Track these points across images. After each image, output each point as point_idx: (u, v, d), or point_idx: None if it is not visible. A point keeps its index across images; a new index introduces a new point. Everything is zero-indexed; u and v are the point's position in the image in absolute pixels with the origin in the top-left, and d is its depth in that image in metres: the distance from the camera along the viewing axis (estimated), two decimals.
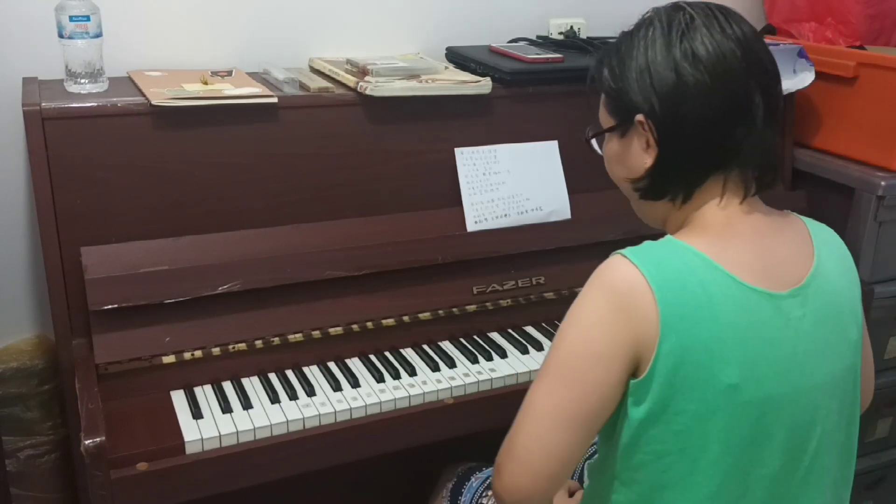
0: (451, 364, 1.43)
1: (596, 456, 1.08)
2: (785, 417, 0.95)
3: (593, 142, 1.10)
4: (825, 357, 0.98)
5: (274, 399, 1.32)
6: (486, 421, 1.39)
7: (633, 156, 1.01)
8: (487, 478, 1.38)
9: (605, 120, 1.06)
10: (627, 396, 0.94)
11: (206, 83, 1.46)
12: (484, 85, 1.56)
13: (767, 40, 1.92)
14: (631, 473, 0.97)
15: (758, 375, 0.92)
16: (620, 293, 0.92)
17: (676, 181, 1.00)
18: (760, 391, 0.93)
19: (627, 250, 0.94)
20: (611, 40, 1.08)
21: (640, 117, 0.98)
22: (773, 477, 0.96)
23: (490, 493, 1.34)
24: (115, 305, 1.28)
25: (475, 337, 1.54)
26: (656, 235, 1.00)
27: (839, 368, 0.99)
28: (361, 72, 1.53)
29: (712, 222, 0.99)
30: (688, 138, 0.97)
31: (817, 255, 1.00)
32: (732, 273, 0.93)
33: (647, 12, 1.02)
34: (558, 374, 0.94)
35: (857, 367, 1.02)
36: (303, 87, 1.52)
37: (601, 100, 1.06)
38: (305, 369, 1.41)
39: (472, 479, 1.40)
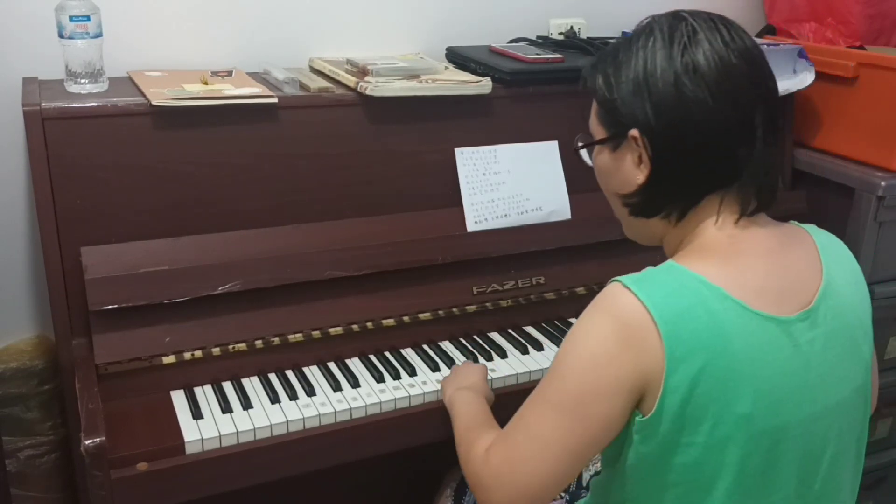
0: (452, 364, 1.43)
1: (601, 473, 1.06)
2: (797, 444, 0.92)
3: (583, 152, 1.06)
4: (837, 379, 0.95)
5: (274, 399, 1.32)
6: None
7: (624, 170, 0.97)
8: None
9: (597, 130, 1.01)
10: (633, 433, 0.91)
11: (206, 83, 1.46)
12: (484, 85, 1.56)
13: (767, 40, 1.93)
14: (640, 501, 0.95)
15: (770, 404, 0.89)
16: (626, 326, 0.88)
17: (670, 199, 0.96)
18: (773, 420, 0.90)
19: (629, 279, 0.90)
20: (611, 40, 1.05)
21: (634, 132, 0.93)
22: (785, 502, 0.94)
23: None
24: (115, 305, 1.28)
25: (475, 337, 1.54)
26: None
27: (850, 390, 0.96)
28: (361, 72, 1.53)
29: (715, 244, 0.94)
30: (685, 157, 0.92)
31: (826, 273, 0.96)
32: (740, 299, 0.89)
33: (645, 19, 0.97)
34: (564, 407, 0.91)
35: (868, 385, 1.00)
36: (303, 87, 1.52)
37: (593, 108, 1.01)
38: (305, 369, 1.41)
39: None
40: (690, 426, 0.88)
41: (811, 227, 1.03)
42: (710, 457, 0.89)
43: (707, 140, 0.91)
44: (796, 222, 1.03)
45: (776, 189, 0.98)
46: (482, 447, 1.01)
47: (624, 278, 0.91)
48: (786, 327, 0.91)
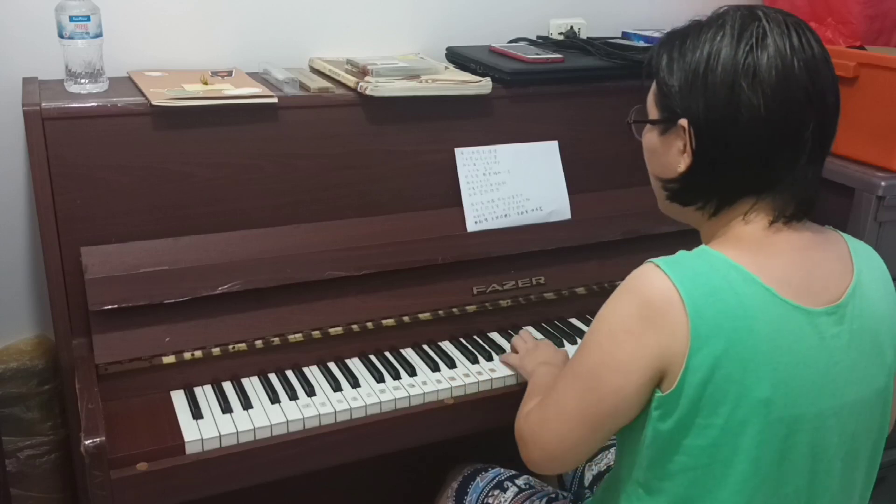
0: (451, 364, 1.43)
1: (609, 468, 1.08)
2: (812, 436, 0.93)
3: (634, 126, 1.07)
4: (858, 378, 0.95)
5: (274, 399, 1.32)
6: (486, 421, 1.39)
7: (669, 155, 0.99)
8: (493, 478, 1.38)
9: (651, 109, 1.02)
10: (652, 410, 0.93)
11: (206, 83, 1.46)
12: (484, 85, 1.56)
13: None
14: (657, 483, 0.96)
15: (789, 392, 0.90)
16: (651, 305, 0.90)
17: (706, 194, 0.97)
18: (791, 408, 0.91)
19: (661, 261, 0.92)
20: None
21: (683, 122, 0.94)
22: (799, 495, 0.95)
23: (495, 492, 1.35)
24: (115, 305, 1.28)
25: (475, 337, 1.54)
26: (655, 236, 0.99)
27: (870, 391, 0.97)
28: (361, 72, 1.53)
29: (748, 237, 0.96)
30: (725, 158, 0.93)
31: (857, 274, 0.97)
32: (769, 286, 0.90)
33: (721, 8, 0.96)
34: (582, 377, 0.97)
35: (889, 390, 1.00)
36: (303, 87, 1.52)
37: (652, 87, 1.02)
38: (305, 369, 1.41)
39: (478, 480, 1.39)
40: (709, 407, 0.90)
41: (846, 235, 1.04)
42: (726, 440, 0.91)
43: (751, 146, 0.92)
44: (832, 227, 1.04)
45: (815, 201, 0.98)
46: (528, 407, 1.10)
47: (657, 259, 0.93)
48: (812, 318, 0.92)
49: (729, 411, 0.89)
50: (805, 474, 0.94)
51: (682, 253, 0.94)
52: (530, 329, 1.57)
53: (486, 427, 1.38)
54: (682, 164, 0.97)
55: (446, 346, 1.51)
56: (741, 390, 0.89)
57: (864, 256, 1.00)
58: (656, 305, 0.90)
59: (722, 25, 0.94)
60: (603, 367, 0.93)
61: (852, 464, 0.98)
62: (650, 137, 1.02)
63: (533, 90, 1.63)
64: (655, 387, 0.92)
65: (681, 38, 0.97)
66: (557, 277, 1.60)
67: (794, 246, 0.96)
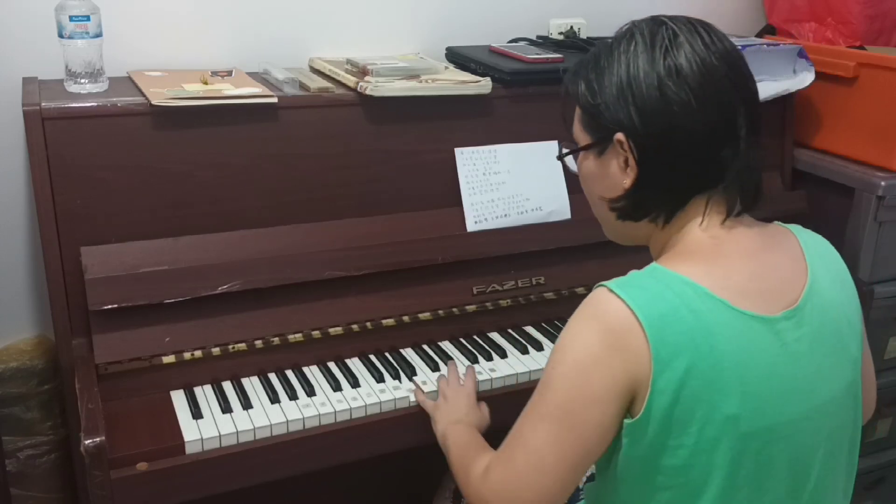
0: (450, 361, 1.43)
1: (594, 479, 1.06)
2: (787, 444, 0.92)
3: (568, 159, 1.06)
4: (825, 378, 0.95)
5: (274, 399, 1.32)
6: None
7: (610, 175, 0.98)
8: None
9: (581, 136, 1.02)
10: (622, 437, 0.91)
11: (206, 83, 1.46)
12: (484, 85, 1.56)
13: (767, 40, 1.93)
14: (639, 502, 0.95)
15: (758, 404, 0.89)
16: (613, 331, 0.88)
17: (657, 202, 0.96)
18: (761, 420, 0.90)
19: (614, 284, 0.90)
20: (602, 42, 1.05)
21: (619, 136, 0.94)
22: (777, 503, 0.94)
23: None
24: (115, 305, 1.28)
25: (475, 337, 1.54)
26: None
27: (839, 388, 0.96)
28: (361, 72, 1.53)
29: (699, 245, 0.95)
30: (671, 159, 0.93)
31: (811, 272, 0.96)
32: (725, 299, 0.89)
33: (624, 25, 0.98)
34: (555, 417, 0.91)
35: (857, 383, 0.99)
36: (303, 87, 1.52)
37: (576, 115, 1.02)
38: (305, 369, 1.41)
39: None
40: (678, 428, 0.88)
41: (795, 227, 1.03)
42: (699, 459, 0.89)
43: (692, 142, 0.92)
44: (780, 223, 1.04)
45: (760, 189, 0.99)
46: (480, 467, 1.01)
47: (609, 283, 0.91)
48: (772, 326, 0.91)
49: (698, 430, 0.88)
50: (783, 482, 0.93)
51: (633, 274, 0.93)
52: (529, 329, 1.57)
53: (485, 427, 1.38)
54: (628, 179, 0.95)
55: (446, 346, 1.51)
56: (709, 408, 0.88)
57: (816, 250, 1.00)
58: (618, 331, 0.88)
59: (632, 38, 0.95)
60: (576, 403, 0.89)
61: (831, 463, 0.98)
62: (587, 164, 1.01)
63: (533, 90, 1.63)
64: (626, 412, 0.90)
65: (593, 60, 0.98)
66: (557, 277, 1.60)
67: (744, 252, 0.95)
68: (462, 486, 1.06)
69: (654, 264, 0.95)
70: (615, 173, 0.97)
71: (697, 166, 0.93)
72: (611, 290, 0.90)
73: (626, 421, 0.90)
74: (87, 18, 1.38)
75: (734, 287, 0.91)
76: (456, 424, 1.21)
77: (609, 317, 0.89)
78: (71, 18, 1.37)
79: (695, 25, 0.94)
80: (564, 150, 1.06)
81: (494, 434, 1.32)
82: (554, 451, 0.91)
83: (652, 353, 0.86)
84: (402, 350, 1.48)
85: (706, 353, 0.87)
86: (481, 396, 1.38)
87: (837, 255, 1.02)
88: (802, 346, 0.93)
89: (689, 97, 0.90)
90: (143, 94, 1.39)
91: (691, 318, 0.88)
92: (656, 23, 0.95)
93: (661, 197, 0.96)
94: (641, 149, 0.93)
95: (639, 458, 0.91)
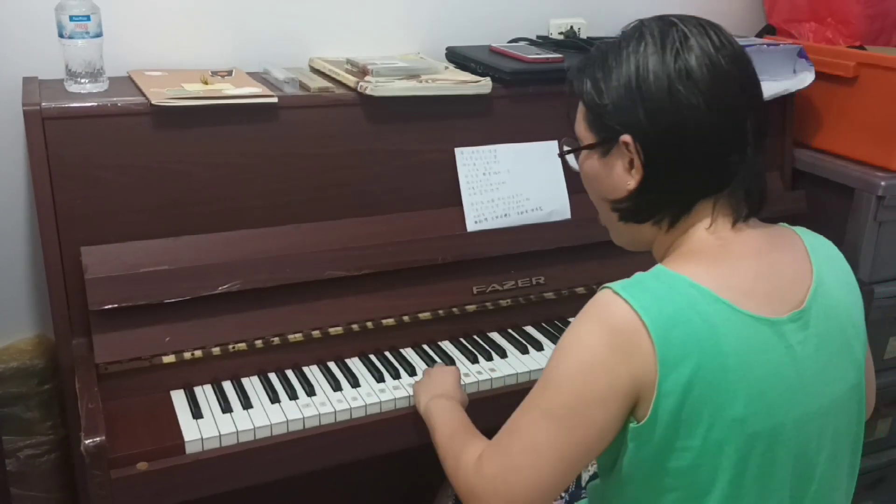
0: (452, 364, 1.43)
1: (598, 479, 1.06)
2: (792, 445, 0.92)
3: (569, 157, 1.05)
4: (830, 380, 0.94)
5: (274, 399, 1.32)
6: (486, 421, 1.37)
7: (614, 176, 0.96)
8: None
9: (585, 135, 1.00)
10: (628, 441, 0.90)
11: (206, 83, 1.46)
12: (484, 85, 1.56)
13: (767, 40, 1.93)
14: None
15: (763, 406, 0.89)
16: (619, 333, 0.87)
17: (662, 205, 0.95)
18: (767, 422, 0.89)
19: (619, 286, 0.89)
20: (608, 40, 1.04)
21: (626, 138, 0.93)
22: None
23: None
24: (115, 305, 1.28)
25: (475, 337, 1.54)
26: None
27: (844, 389, 0.96)
28: (361, 72, 1.53)
29: (704, 247, 0.94)
30: (678, 162, 0.92)
31: (816, 274, 0.96)
32: (731, 302, 0.89)
33: (632, 23, 0.96)
34: (557, 415, 0.90)
35: (861, 385, 0.99)
36: (303, 87, 1.52)
37: (580, 113, 1.00)
38: (305, 369, 1.41)
39: None
40: (685, 430, 0.88)
41: (801, 230, 1.02)
42: (705, 461, 0.89)
43: (701, 145, 0.91)
44: (786, 224, 1.03)
45: (766, 193, 0.98)
46: (472, 456, 1.00)
47: (614, 285, 0.90)
48: (777, 328, 0.91)
49: (704, 432, 0.88)
50: (788, 483, 0.93)
51: (638, 275, 0.92)
52: (529, 329, 1.57)
53: (486, 427, 1.37)
54: (632, 181, 0.94)
55: (446, 345, 1.51)
56: (715, 411, 0.87)
57: (821, 253, 0.99)
58: (623, 334, 0.87)
59: (641, 37, 0.93)
60: (579, 403, 0.88)
61: (835, 464, 0.97)
62: (590, 164, 1.00)
63: (533, 90, 1.63)
64: (630, 414, 0.90)
65: (601, 59, 0.96)
66: (557, 277, 1.60)
67: (749, 253, 0.94)
68: (450, 470, 1.05)
69: (658, 266, 0.94)
70: (619, 174, 0.96)
71: (704, 170, 0.93)
72: (616, 293, 0.89)
73: (632, 425, 0.89)
74: (88, 18, 1.38)
75: (739, 287, 0.90)
76: (440, 398, 1.20)
77: (614, 319, 0.88)
78: (71, 18, 1.37)
79: (705, 27, 0.93)
80: (566, 148, 1.05)
81: (494, 433, 1.32)
82: (553, 448, 0.90)
83: (658, 355, 0.86)
84: (402, 350, 1.48)
85: (712, 355, 0.87)
86: (481, 396, 1.39)
87: (842, 257, 1.02)
88: (808, 348, 0.92)
89: (698, 100, 0.89)
90: (143, 94, 1.39)
91: (697, 320, 0.87)
92: (666, 23, 0.94)
93: (665, 200, 0.95)
94: (648, 151, 0.92)
95: (645, 460, 0.91)
